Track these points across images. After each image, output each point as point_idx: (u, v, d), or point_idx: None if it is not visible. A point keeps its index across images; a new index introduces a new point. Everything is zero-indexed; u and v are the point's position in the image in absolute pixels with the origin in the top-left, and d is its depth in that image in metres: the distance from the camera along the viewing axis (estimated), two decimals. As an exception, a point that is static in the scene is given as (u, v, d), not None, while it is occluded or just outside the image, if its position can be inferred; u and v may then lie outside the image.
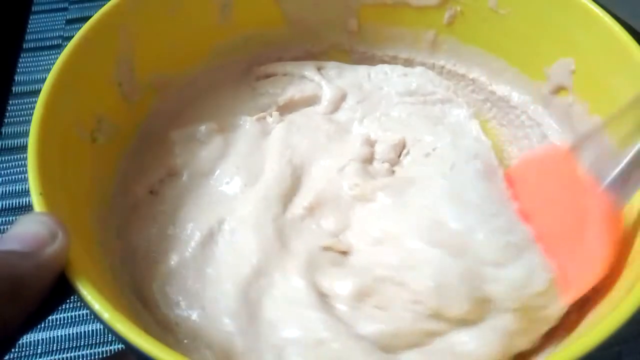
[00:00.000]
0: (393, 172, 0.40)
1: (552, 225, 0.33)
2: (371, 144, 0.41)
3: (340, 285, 0.32)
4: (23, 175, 0.48)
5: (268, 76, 0.45)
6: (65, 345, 0.38)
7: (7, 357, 0.37)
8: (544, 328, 0.31)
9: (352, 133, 0.42)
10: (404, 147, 0.41)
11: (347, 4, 0.45)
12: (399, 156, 0.41)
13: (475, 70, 0.45)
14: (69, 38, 0.34)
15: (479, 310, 0.31)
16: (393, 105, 0.43)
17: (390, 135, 0.41)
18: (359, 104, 0.43)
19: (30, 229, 0.24)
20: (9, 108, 0.53)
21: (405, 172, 0.40)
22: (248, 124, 0.41)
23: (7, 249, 0.23)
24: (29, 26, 0.60)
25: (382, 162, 0.40)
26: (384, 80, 0.45)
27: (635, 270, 0.28)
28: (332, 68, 0.46)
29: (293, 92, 0.44)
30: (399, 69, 0.46)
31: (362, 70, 0.46)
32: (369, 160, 0.40)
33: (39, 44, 0.59)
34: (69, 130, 0.32)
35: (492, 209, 0.34)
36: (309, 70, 0.45)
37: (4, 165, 0.48)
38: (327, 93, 0.43)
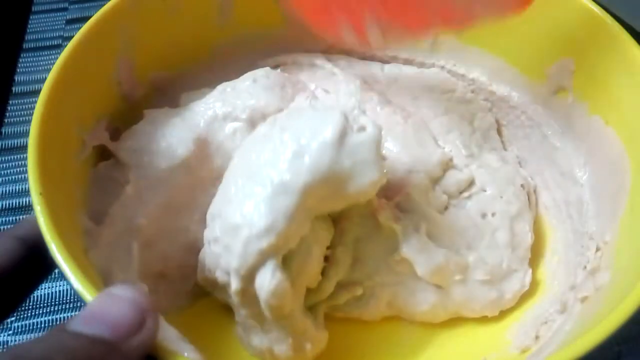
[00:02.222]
0: (445, 208, 0.38)
1: None
2: (446, 165, 0.39)
3: None
4: (23, 175, 0.48)
5: (276, 66, 0.45)
6: (65, 345, 0.38)
7: (7, 357, 0.37)
8: None
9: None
10: (471, 184, 0.39)
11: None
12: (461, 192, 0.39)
13: (475, 70, 0.45)
14: (69, 38, 0.34)
15: None
16: (415, 98, 0.43)
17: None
18: (378, 95, 0.42)
19: (123, 312, 0.22)
20: (9, 108, 0.53)
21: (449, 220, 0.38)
22: None
23: (96, 333, 0.21)
24: (29, 26, 0.60)
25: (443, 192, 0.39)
26: (399, 73, 0.45)
27: (635, 270, 0.28)
28: (340, 59, 0.46)
29: (304, 78, 0.44)
30: (413, 68, 0.46)
31: (372, 64, 0.46)
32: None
33: (39, 44, 0.59)
34: (69, 130, 0.33)
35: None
36: (319, 59, 0.45)
37: (4, 165, 0.48)
38: (341, 80, 0.43)
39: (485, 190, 0.39)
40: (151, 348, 0.23)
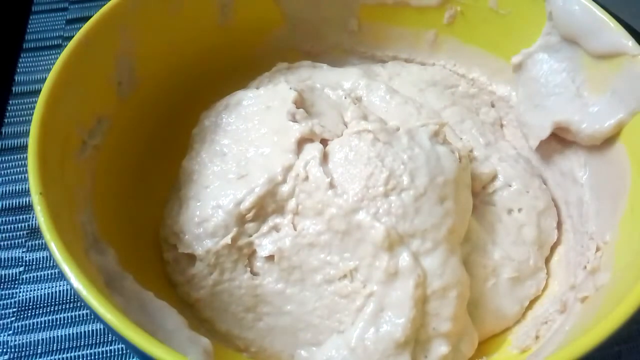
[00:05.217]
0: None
1: None
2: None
3: None
4: (23, 175, 0.48)
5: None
6: (65, 345, 0.38)
7: (7, 358, 0.37)
8: None
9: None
10: (494, 179, 0.39)
11: (347, 3, 0.45)
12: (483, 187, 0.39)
13: (475, 70, 0.45)
14: (69, 38, 0.34)
15: None
16: (421, 90, 0.43)
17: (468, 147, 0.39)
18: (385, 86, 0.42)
19: None
20: (9, 108, 0.53)
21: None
22: None
23: None
24: (29, 26, 0.60)
25: None
26: (400, 69, 0.46)
27: (635, 270, 0.28)
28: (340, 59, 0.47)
29: (307, 75, 0.44)
30: (415, 65, 0.46)
31: (374, 65, 0.46)
32: None
33: (39, 44, 0.59)
34: (69, 130, 0.32)
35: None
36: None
37: (4, 165, 0.48)
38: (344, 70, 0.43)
39: (510, 185, 0.39)
40: None
